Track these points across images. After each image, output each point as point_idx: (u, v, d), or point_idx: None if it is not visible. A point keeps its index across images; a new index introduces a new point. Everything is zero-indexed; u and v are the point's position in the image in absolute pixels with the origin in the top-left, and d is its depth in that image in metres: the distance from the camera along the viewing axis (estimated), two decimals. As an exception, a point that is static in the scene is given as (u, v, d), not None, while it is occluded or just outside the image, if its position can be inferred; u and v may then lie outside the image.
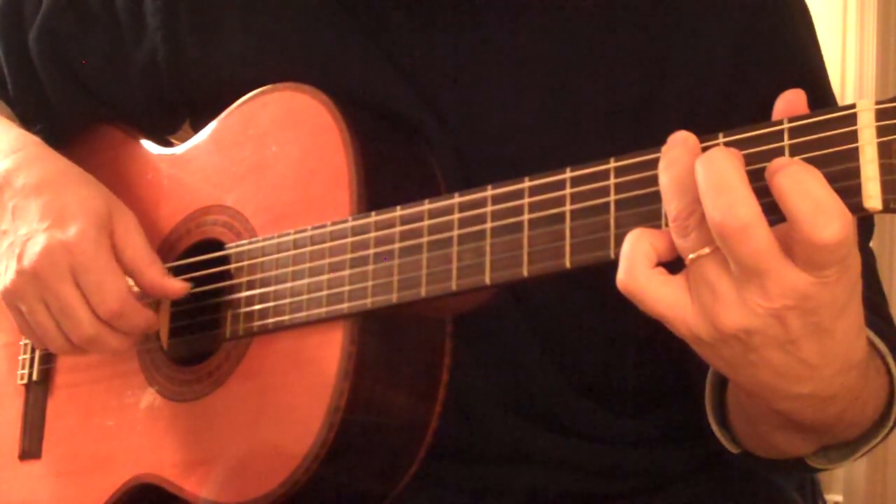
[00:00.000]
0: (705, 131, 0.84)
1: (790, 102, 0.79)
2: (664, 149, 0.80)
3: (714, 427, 1.01)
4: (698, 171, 0.75)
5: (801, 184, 0.73)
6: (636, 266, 0.78)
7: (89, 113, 1.31)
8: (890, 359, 0.94)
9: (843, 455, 0.97)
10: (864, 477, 2.73)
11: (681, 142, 0.79)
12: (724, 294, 0.76)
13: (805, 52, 1.10)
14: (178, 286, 1.12)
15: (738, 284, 0.75)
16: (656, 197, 0.82)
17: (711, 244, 0.76)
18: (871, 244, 1.14)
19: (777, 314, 0.76)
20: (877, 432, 0.94)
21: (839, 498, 2.79)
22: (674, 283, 0.78)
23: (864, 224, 1.09)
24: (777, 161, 0.75)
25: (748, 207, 0.73)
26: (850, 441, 0.95)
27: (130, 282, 1.12)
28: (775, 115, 0.79)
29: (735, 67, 1.06)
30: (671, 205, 0.77)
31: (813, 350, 0.78)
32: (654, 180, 0.82)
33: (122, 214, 1.14)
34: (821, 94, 1.08)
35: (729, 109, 1.06)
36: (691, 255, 0.77)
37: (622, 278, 0.79)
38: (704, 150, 0.78)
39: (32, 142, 1.22)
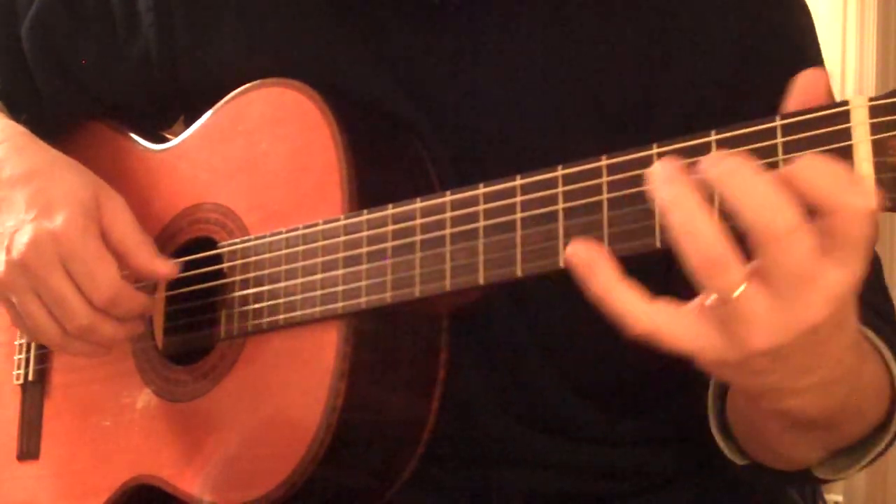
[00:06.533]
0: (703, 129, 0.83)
1: (807, 83, 0.75)
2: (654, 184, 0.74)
3: (718, 438, 0.99)
4: (726, 191, 0.69)
5: (814, 168, 0.69)
6: (636, 310, 0.75)
7: (80, 107, 1.30)
8: (893, 363, 0.93)
9: (849, 462, 0.94)
10: (864, 477, 2.73)
11: (669, 176, 0.73)
12: (760, 321, 0.71)
13: (807, 50, 1.09)
14: (167, 267, 1.11)
15: (778, 307, 0.70)
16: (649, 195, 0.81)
17: (744, 278, 0.71)
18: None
19: (815, 328, 0.71)
20: (881, 436, 0.92)
21: (839, 498, 2.79)
22: (687, 316, 0.74)
23: None
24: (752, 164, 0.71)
25: (789, 211, 0.68)
26: (855, 445, 0.93)
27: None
28: (791, 95, 0.76)
29: (737, 66, 1.05)
30: (694, 249, 0.70)
31: (836, 344, 0.76)
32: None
33: (110, 199, 1.12)
34: None
35: (731, 108, 1.03)
36: (733, 295, 0.71)
37: (634, 330, 0.74)
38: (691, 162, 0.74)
39: (19, 132, 1.22)
